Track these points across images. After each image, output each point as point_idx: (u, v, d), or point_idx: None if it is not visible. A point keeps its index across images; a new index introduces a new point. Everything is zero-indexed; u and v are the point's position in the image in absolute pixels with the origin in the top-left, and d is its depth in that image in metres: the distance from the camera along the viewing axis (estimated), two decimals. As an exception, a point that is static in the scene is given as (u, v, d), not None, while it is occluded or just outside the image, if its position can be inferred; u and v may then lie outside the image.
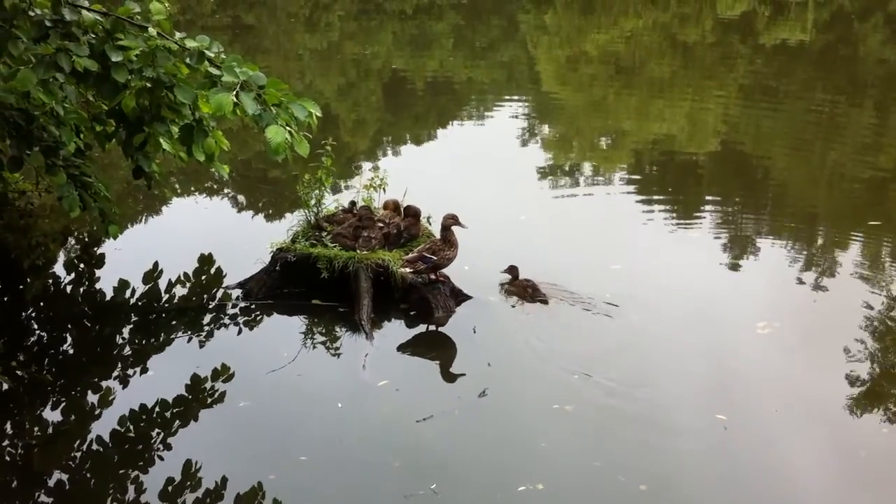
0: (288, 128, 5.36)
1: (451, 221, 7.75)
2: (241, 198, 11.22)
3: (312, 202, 8.50)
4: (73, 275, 8.61)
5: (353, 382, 6.74)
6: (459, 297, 7.96)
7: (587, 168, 12.54)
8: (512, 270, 8.15)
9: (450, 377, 6.86)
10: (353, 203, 8.67)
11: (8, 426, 6.24)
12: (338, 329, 7.54)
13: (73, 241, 9.33)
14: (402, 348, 7.29)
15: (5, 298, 8.17)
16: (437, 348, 7.33)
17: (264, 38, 24.27)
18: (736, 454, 5.91)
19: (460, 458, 5.84)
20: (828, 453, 5.99)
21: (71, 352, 7.33)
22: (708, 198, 11.18)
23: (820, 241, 9.74)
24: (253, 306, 7.88)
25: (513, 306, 7.93)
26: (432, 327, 7.60)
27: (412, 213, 8.45)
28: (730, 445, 5.98)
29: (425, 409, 6.31)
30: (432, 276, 7.85)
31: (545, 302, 7.96)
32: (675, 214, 10.46)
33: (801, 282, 8.59)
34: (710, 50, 21.80)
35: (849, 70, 19.61)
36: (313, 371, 6.92)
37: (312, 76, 19.26)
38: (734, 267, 8.93)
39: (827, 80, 18.30)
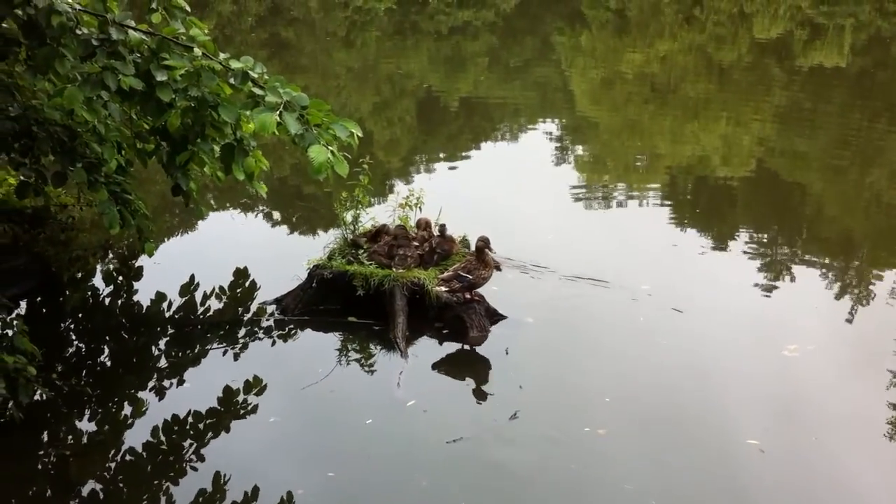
0: (329, 148, 5.43)
1: (481, 244, 7.77)
2: (276, 213, 11.33)
3: (349, 220, 8.56)
4: (111, 287, 8.75)
5: (385, 400, 6.76)
6: (494, 316, 7.97)
7: (620, 189, 12.51)
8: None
9: (481, 398, 6.86)
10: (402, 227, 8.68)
11: (45, 436, 6.34)
12: (372, 346, 7.58)
13: (111, 255, 9.47)
14: (436, 367, 7.31)
15: (45, 310, 8.30)
16: (470, 368, 7.33)
17: (302, 55, 24.51)
18: (772, 480, 5.85)
19: (489, 479, 5.82)
20: (870, 483, 5.92)
21: (108, 363, 7.43)
22: (742, 220, 11.11)
23: (855, 266, 9.63)
24: (288, 321, 7.95)
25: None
26: (466, 347, 7.61)
27: (444, 233, 8.48)
28: (764, 471, 5.93)
29: (455, 429, 6.32)
30: (467, 296, 7.87)
31: (498, 268, 8.21)
32: (707, 237, 10.41)
33: (834, 306, 8.52)
34: (746, 72, 21.70)
35: (886, 94, 19.44)
36: (346, 387, 6.95)
37: (348, 94, 19.42)
38: (767, 290, 8.84)
39: (864, 104, 18.16)
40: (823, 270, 9.45)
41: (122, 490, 5.79)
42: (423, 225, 8.67)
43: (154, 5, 6.11)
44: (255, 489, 5.70)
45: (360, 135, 5.76)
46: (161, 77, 5.90)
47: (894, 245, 10.21)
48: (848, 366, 7.36)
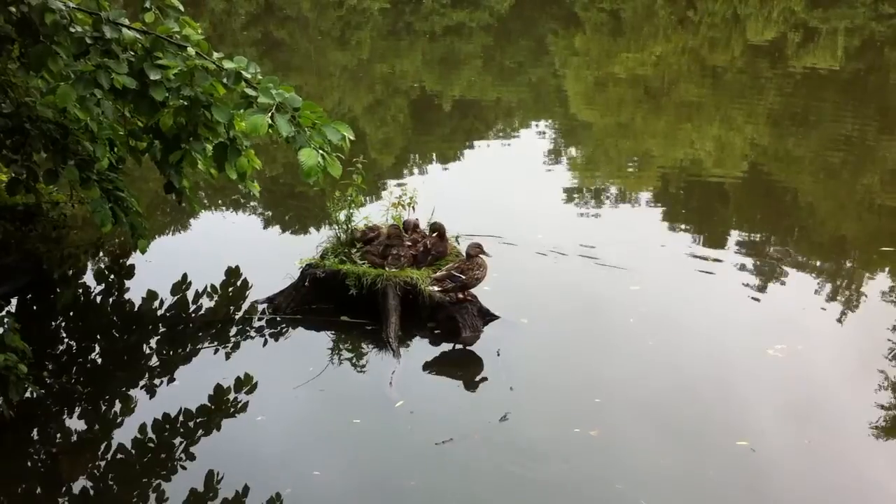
0: (321, 150, 5.42)
1: (476, 251, 7.78)
2: (268, 212, 11.33)
3: (342, 219, 8.56)
4: (103, 285, 8.73)
5: (375, 400, 6.77)
6: (487, 316, 7.98)
7: (613, 190, 12.54)
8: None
9: (472, 399, 6.87)
10: (395, 227, 8.67)
11: (35, 434, 6.32)
12: (364, 346, 7.58)
13: (103, 253, 9.45)
14: (428, 367, 7.32)
15: (36, 308, 8.29)
16: (461, 369, 7.34)
17: (294, 54, 24.49)
18: (764, 480, 5.87)
19: (478, 479, 5.84)
20: (867, 484, 5.97)
21: (99, 361, 7.42)
22: (733, 222, 11.14)
23: (846, 268, 9.68)
24: (280, 320, 7.94)
25: None
26: (459, 347, 7.62)
27: (436, 230, 8.49)
28: (754, 471, 5.95)
29: (445, 430, 6.33)
30: (460, 296, 7.88)
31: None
32: (698, 237, 10.43)
33: (824, 307, 8.55)
34: (739, 75, 21.74)
35: (879, 97, 19.51)
36: (336, 387, 6.95)
37: (342, 94, 19.42)
38: (757, 290, 8.85)
39: (856, 108, 18.21)
40: (814, 272, 9.47)
41: (113, 488, 5.79)
42: (412, 226, 8.64)
43: (147, 4, 6.10)
44: (245, 488, 5.70)
45: (351, 137, 5.76)
46: (154, 76, 5.89)
47: (885, 247, 10.23)
48: (837, 366, 7.42)
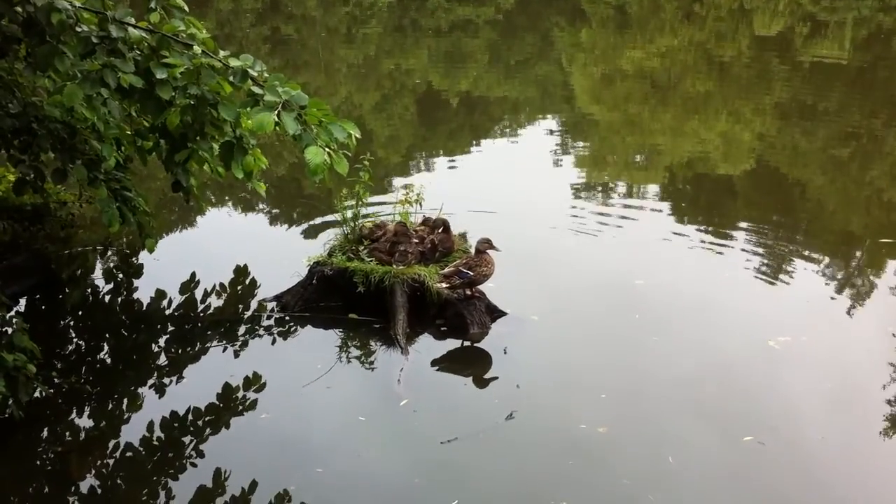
0: (327, 148, 5.42)
1: (485, 246, 7.78)
2: (275, 210, 11.34)
3: (350, 216, 8.56)
4: (111, 284, 8.75)
5: (382, 397, 6.77)
6: (495, 313, 7.97)
7: (620, 186, 12.51)
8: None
9: (478, 397, 6.85)
10: (402, 224, 8.66)
11: (44, 433, 6.34)
12: (372, 343, 7.58)
13: (111, 252, 9.47)
14: (435, 364, 7.31)
15: (44, 308, 8.31)
16: (469, 366, 7.33)
17: (302, 51, 24.50)
18: (772, 474, 5.86)
19: (484, 476, 5.83)
20: (876, 481, 5.95)
21: (108, 360, 7.43)
22: (741, 216, 11.10)
23: (852, 261, 9.63)
24: (288, 318, 7.95)
25: None
26: (467, 343, 7.61)
27: (440, 225, 8.47)
28: (763, 465, 5.94)
29: (451, 427, 6.32)
30: (468, 292, 7.87)
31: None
32: (705, 231, 10.40)
33: (828, 300, 8.53)
34: (747, 68, 21.67)
35: (887, 89, 19.43)
36: (344, 384, 6.95)
37: (349, 90, 19.42)
38: (763, 283, 8.83)
39: (864, 99, 18.14)
40: (819, 264, 9.44)
41: (122, 486, 5.80)
42: (431, 224, 8.63)
43: (153, 5, 6.09)
44: (253, 483, 5.72)
45: (358, 136, 5.75)
46: (161, 75, 5.88)
47: (891, 239, 10.20)
48: (841, 359, 7.40)
